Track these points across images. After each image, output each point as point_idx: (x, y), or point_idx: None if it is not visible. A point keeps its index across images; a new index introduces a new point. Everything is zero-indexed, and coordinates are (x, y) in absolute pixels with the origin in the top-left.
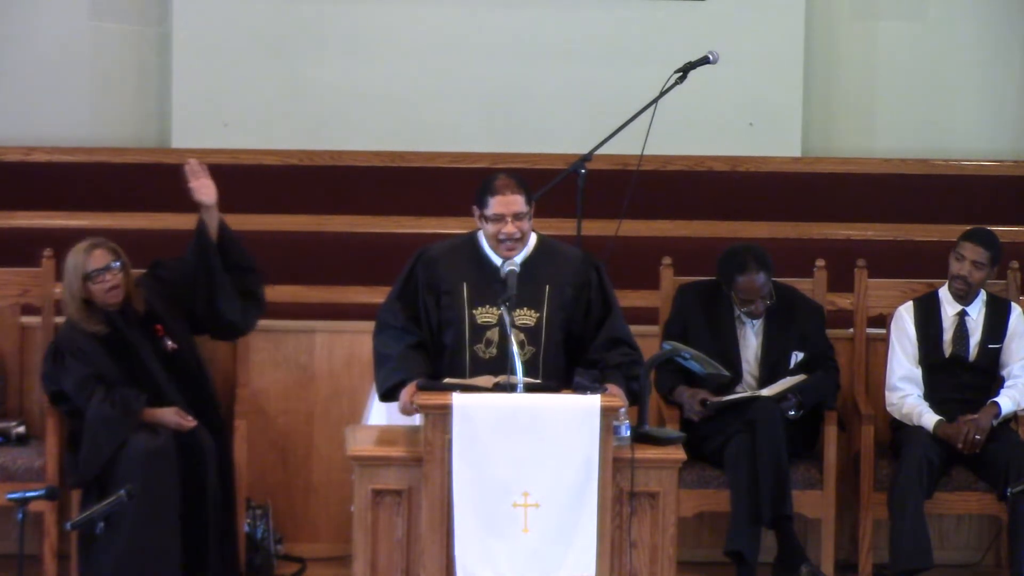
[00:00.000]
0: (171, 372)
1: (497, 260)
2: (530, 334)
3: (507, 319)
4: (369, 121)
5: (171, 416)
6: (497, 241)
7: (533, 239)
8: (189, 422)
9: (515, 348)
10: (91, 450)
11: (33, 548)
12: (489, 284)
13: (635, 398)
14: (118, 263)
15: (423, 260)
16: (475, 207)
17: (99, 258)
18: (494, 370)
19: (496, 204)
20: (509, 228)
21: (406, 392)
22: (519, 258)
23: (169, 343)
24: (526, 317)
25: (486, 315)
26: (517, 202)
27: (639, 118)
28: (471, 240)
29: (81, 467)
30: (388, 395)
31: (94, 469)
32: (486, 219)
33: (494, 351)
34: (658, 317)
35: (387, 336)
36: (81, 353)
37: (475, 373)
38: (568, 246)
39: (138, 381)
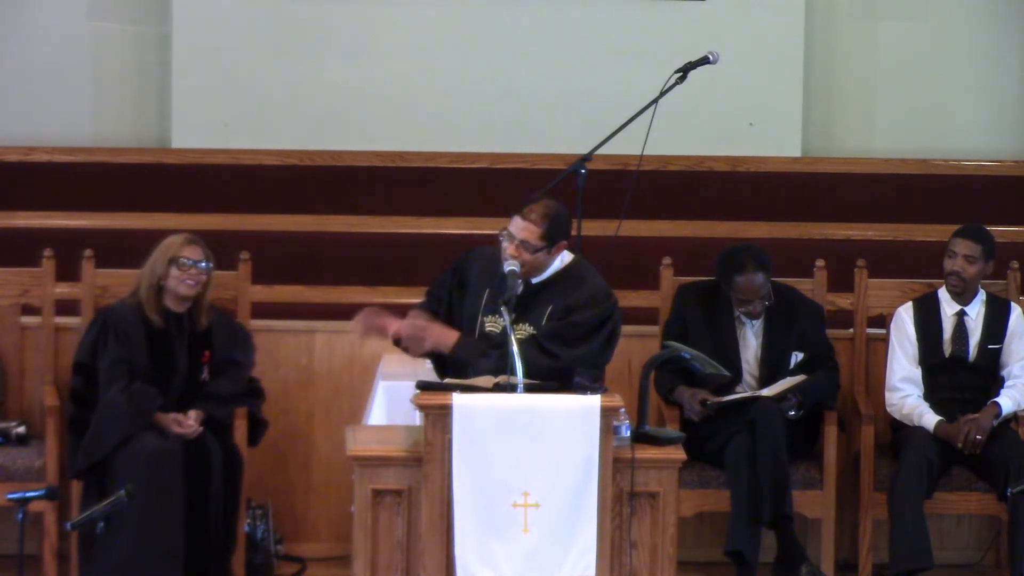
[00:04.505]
0: (190, 396)
1: None
2: None
3: (506, 318)
4: (369, 121)
5: (173, 424)
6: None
7: (562, 261)
8: (189, 430)
9: (515, 348)
10: (95, 438)
11: (33, 548)
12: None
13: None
14: (208, 264)
15: (466, 258)
16: None
17: (195, 251)
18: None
19: (512, 222)
20: (511, 251)
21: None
22: (538, 280)
23: (205, 374)
24: (521, 332)
25: (493, 324)
26: (528, 230)
27: (639, 118)
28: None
29: (81, 454)
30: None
31: (94, 458)
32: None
33: None
34: (658, 317)
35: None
36: (124, 335)
37: None
38: (597, 278)
39: (160, 385)
